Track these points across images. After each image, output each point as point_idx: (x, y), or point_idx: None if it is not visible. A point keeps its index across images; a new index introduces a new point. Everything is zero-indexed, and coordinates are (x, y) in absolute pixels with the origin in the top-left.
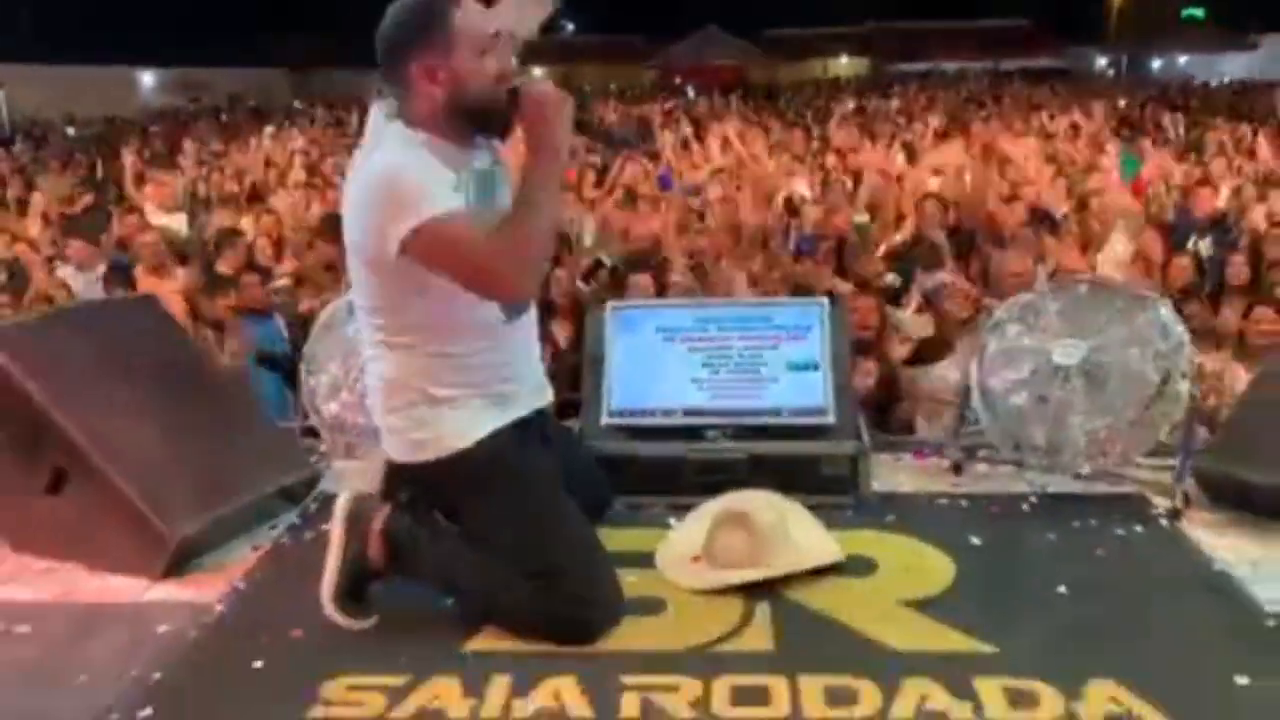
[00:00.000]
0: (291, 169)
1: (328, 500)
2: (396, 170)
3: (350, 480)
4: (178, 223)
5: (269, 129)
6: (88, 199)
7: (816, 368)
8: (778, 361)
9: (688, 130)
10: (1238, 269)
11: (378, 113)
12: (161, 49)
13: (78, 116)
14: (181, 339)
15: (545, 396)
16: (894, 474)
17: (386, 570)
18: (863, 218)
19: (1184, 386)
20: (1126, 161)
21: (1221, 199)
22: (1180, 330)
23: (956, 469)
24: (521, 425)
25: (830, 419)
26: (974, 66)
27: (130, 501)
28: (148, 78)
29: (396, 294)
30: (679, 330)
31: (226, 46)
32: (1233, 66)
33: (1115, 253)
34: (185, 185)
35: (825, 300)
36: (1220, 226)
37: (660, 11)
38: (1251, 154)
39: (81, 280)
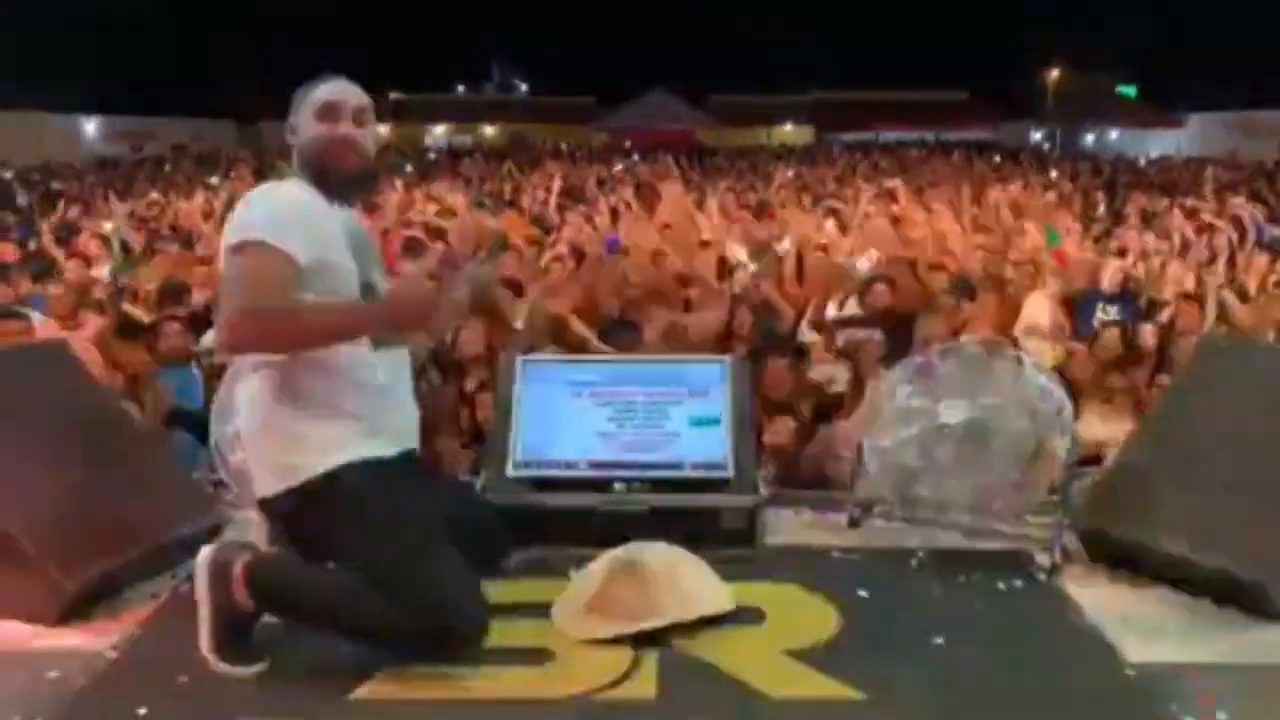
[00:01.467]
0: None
1: None
2: (275, 192)
3: (251, 530)
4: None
5: (212, 179)
6: (31, 245)
7: (718, 423)
8: (681, 417)
9: (628, 194)
10: (1147, 337)
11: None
12: (108, 97)
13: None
14: (90, 386)
15: (413, 440)
16: (793, 528)
17: (257, 609)
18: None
19: (1062, 446)
20: (1049, 234)
21: (1127, 268)
22: (1059, 393)
23: (852, 524)
24: (389, 464)
25: (729, 473)
26: (912, 137)
27: (22, 548)
28: (91, 126)
29: None
30: (587, 385)
31: (173, 96)
32: (1161, 144)
33: (1035, 320)
34: (118, 236)
35: (727, 359)
36: (1125, 296)
37: (610, 74)
38: (1165, 230)
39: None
